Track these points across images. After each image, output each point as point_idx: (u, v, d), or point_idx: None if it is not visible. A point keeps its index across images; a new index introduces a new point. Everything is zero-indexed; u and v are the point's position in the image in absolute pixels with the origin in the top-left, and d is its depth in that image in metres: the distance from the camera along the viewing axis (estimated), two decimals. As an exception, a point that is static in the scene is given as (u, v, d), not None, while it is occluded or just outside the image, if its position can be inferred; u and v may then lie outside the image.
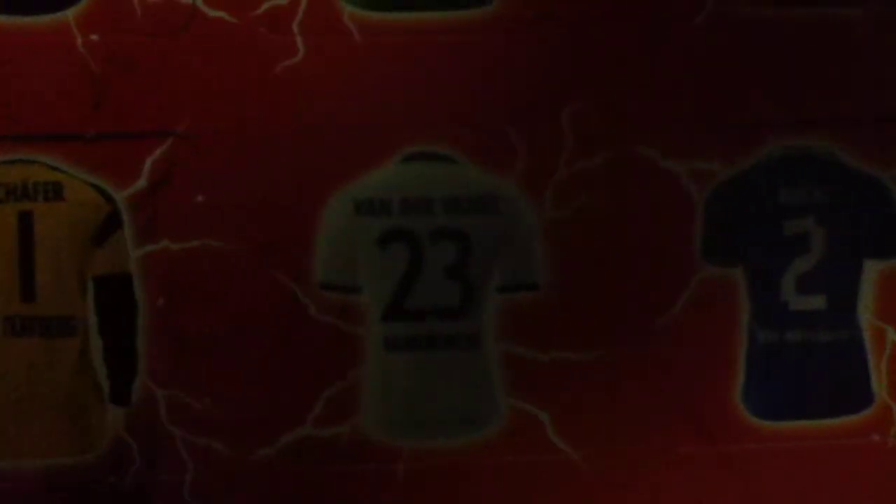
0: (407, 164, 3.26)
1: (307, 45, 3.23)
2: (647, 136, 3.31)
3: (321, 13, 3.24)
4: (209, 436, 3.20)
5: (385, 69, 3.26)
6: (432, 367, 3.23)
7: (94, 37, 3.17)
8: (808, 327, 3.33)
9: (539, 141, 3.29)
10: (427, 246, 3.23)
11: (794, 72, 3.34)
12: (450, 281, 3.24)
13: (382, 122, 3.26)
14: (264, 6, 3.21)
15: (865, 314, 3.37)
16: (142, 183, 3.19)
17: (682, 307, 3.31)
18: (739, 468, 3.33)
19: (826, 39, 3.34)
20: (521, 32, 3.28)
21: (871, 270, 3.36)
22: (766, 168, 3.36)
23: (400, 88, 3.27)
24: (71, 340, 3.16)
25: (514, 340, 3.28)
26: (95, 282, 3.19)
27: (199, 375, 3.21)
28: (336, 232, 3.23)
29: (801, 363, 3.33)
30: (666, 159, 3.32)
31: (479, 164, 3.28)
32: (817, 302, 3.33)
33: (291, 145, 3.24)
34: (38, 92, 3.17)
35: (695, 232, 3.33)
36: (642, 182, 3.31)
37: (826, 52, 3.35)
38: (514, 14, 3.28)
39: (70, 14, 3.16)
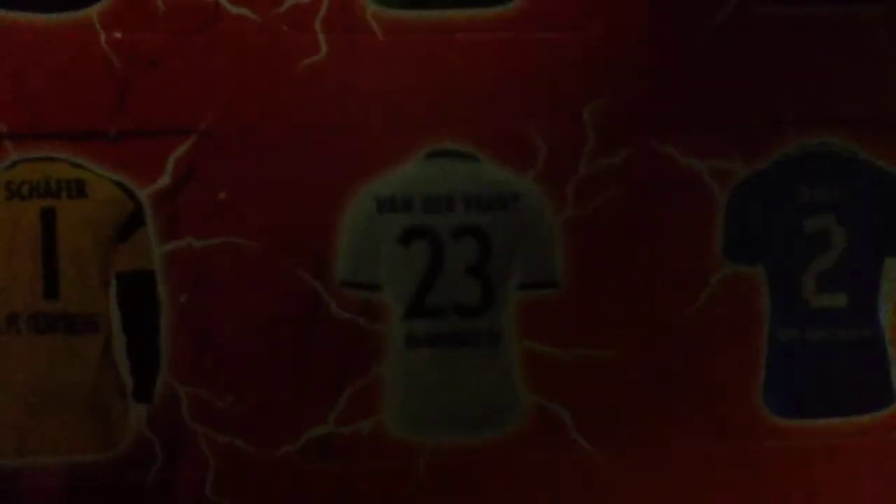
0: (429, 162, 3.26)
1: (330, 43, 3.23)
2: (668, 134, 3.31)
3: (344, 11, 3.24)
4: (231, 433, 3.20)
5: (407, 67, 3.26)
6: (453, 365, 3.24)
7: (117, 34, 3.18)
8: (829, 325, 3.33)
9: (560, 139, 3.29)
10: (448, 244, 3.23)
11: (815, 70, 3.34)
12: (471, 278, 3.24)
13: (404, 119, 3.26)
14: (287, 4, 3.21)
15: (886, 312, 3.37)
16: (165, 180, 3.19)
17: (703, 306, 3.31)
18: (760, 466, 3.33)
19: (847, 37, 3.34)
20: (543, 30, 3.28)
21: (892, 268, 3.36)
22: (787, 166, 3.36)
23: (422, 86, 3.27)
24: (94, 337, 3.17)
25: (535, 338, 3.28)
26: (118, 279, 3.20)
27: (222, 373, 3.21)
28: (358, 230, 3.23)
29: (821, 361, 3.33)
30: (687, 157, 3.32)
31: (500, 161, 3.28)
32: (838, 300, 3.33)
33: (313, 143, 3.24)
34: (60, 89, 3.17)
35: (716, 230, 3.33)
36: (663, 180, 3.31)
37: (846, 50, 3.35)
38: (535, 11, 3.27)
39: (93, 11, 3.17)
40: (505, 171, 3.28)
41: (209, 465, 3.20)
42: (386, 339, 3.24)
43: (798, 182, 3.35)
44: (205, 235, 3.21)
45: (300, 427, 3.22)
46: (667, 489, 3.30)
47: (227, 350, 3.22)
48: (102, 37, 3.17)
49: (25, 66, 3.16)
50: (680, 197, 3.33)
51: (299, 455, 3.22)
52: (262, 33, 3.22)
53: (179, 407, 3.20)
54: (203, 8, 3.20)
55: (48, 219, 3.16)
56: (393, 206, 3.23)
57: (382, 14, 3.25)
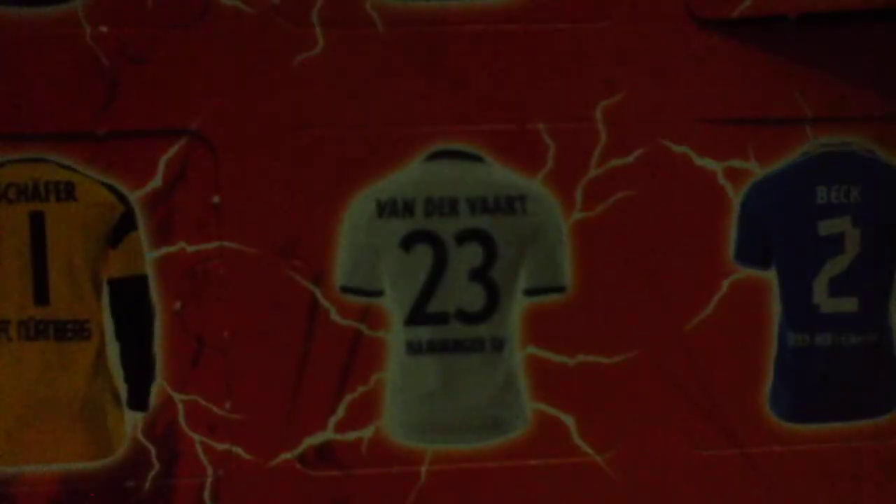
0: (431, 163, 3.13)
1: (327, 37, 3.07)
2: (681, 133, 3.17)
3: (342, 2, 3.07)
4: (229, 440, 3.14)
5: (409, 62, 3.11)
6: (455, 371, 3.16)
7: (103, 28, 3.01)
8: (839, 330, 3.25)
9: (570, 138, 3.15)
10: (451, 248, 3.12)
11: (834, 69, 3.18)
12: (474, 284, 3.14)
13: (406, 117, 3.12)
14: (282, -5, 3.04)
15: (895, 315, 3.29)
16: (156, 182, 3.07)
17: (712, 310, 3.22)
18: (765, 470, 3.29)
19: (868, 33, 3.18)
20: (553, 22, 3.11)
21: (905, 271, 3.27)
22: (803, 167, 3.23)
23: (425, 82, 3.11)
24: (86, 344, 3.08)
25: (540, 344, 3.20)
26: (111, 284, 3.10)
27: (218, 380, 3.14)
28: (358, 234, 3.12)
29: (829, 366, 3.26)
30: (701, 157, 3.19)
31: (507, 162, 3.14)
32: (848, 304, 3.25)
33: (311, 143, 3.10)
34: (45, 87, 3.02)
35: (729, 233, 3.22)
36: (676, 181, 3.19)
37: (867, 46, 3.19)
38: (545, 2, 3.10)
39: (78, 5, 3.00)
40: (512, 173, 3.15)
41: (206, 473, 3.15)
42: (387, 346, 3.16)
43: (814, 183, 3.22)
44: (198, 240, 3.09)
45: (299, 434, 3.17)
46: (672, 496, 3.26)
47: (224, 356, 3.13)
48: (88, 31, 3.01)
49: (7, 63, 2.99)
50: (693, 199, 3.21)
51: (298, 462, 3.17)
52: (257, 27, 3.05)
53: (175, 414, 3.13)
54: (194, 0, 3.02)
55: (37, 222, 3.04)
56: (394, 209, 3.11)
57: (383, 5, 3.08)
